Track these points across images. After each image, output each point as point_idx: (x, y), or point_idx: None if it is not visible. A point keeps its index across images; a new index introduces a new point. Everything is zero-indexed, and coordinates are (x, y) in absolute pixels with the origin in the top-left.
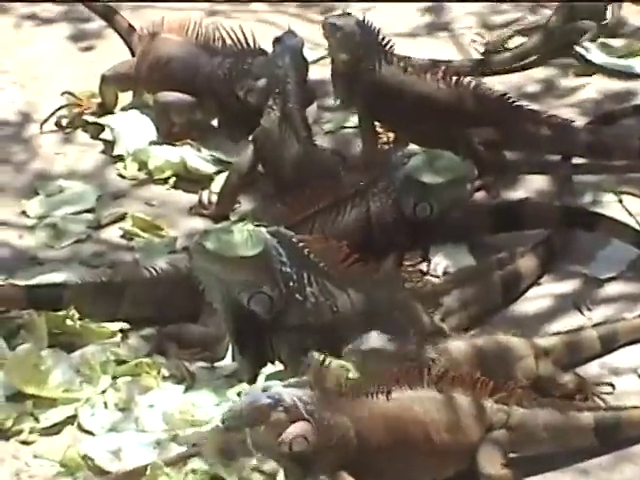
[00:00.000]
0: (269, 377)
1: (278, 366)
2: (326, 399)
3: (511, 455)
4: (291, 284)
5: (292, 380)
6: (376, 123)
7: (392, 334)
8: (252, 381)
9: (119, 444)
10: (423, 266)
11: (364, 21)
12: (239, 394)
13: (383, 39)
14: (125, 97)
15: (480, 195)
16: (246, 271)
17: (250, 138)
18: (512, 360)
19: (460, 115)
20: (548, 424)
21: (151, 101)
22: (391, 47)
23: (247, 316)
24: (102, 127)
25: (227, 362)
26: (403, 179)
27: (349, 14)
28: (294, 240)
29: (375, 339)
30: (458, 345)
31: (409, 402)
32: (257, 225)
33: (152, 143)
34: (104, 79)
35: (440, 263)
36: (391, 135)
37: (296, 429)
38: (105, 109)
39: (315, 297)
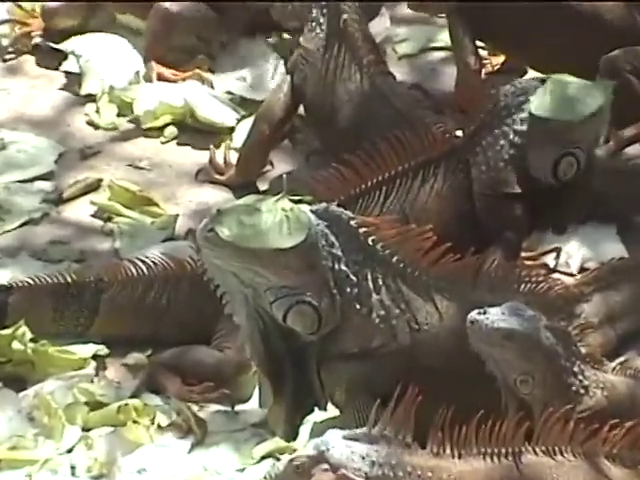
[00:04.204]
0: (316, 428)
1: (331, 411)
2: (412, 460)
3: None
4: (348, 289)
5: (362, 430)
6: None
7: None
8: (291, 434)
9: None
10: (549, 259)
11: None
12: (271, 455)
13: None
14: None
15: (634, 150)
16: (281, 271)
17: (286, 68)
18: None
19: (601, 28)
20: None
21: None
22: None
23: (284, 337)
24: (64, 54)
25: (254, 405)
26: (528, 123)
27: None
28: (353, 223)
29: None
30: (624, 381)
31: (545, 473)
32: (297, 201)
33: (137, 77)
34: None
35: (575, 254)
36: (499, 59)
37: None
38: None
39: (385, 308)
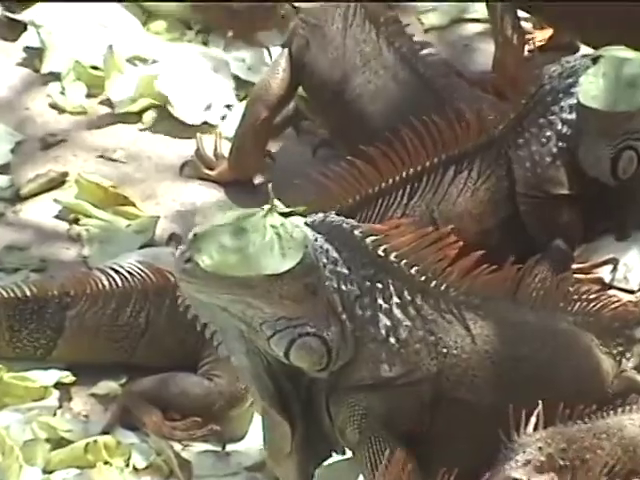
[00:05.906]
0: (324, 472)
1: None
2: None
3: None
4: (360, 312)
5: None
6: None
7: (550, 397)
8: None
9: None
10: (605, 271)
11: None
12: None
13: None
14: None
15: None
16: (277, 299)
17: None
18: None
19: None
20: None
21: None
22: None
23: (289, 376)
24: (23, 25)
25: (249, 444)
26: (578, 113)
27: None
28: (357, 233)
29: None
30: None
31: None
32: (287, 214)
33: (111, 51)
34: None
35: (635, 267)
36: (546, 33)
37: None
38: None
39: (405, 331)
